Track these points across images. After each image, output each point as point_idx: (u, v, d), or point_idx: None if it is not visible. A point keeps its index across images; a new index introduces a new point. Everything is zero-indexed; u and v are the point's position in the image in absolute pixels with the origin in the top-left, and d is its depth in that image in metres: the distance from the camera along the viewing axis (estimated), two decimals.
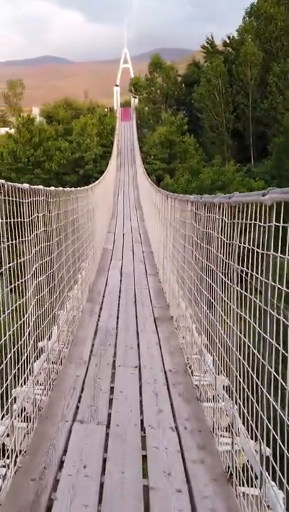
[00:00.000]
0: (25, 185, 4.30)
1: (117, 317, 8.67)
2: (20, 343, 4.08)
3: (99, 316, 8.62)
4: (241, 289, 3.67)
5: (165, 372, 6.11)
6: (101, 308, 9.13)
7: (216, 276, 4.52)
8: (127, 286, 11.28)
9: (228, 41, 47.32)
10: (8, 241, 3.48)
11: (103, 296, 10.14)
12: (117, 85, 64.30)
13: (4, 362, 3.55)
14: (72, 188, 8.12)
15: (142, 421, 4.76)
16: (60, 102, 53.09)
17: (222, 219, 4.22)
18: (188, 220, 6.73)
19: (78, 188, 9.60)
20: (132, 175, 37.86)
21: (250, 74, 43.19)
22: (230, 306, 3.94)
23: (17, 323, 3.99)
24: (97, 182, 14.00)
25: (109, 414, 4.84)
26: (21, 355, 4.16)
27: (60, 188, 6.80)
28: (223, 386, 4.62)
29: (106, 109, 53.98)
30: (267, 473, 2.91)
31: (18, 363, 4.23)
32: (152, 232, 16.23)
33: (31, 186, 4.56)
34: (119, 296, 10.25)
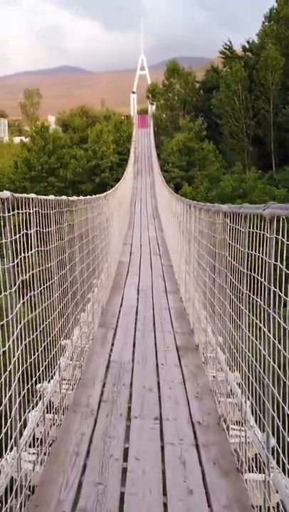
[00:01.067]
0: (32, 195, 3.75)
1: (134, 346, 7.47)
2: (11, 391, 3.04)
3: (112, 345, 7.42)
4: None
5: (193, 425, 4.88)
6: (115, 335, 7.93)
7: (263, 310, 3.32)
8: (144, 305, 10.07)
9: (247, 46, 46.16)
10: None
11: (118, 319, 8.94)
12: (133, 92, 63.42)
13: None
14: (80, 197, 6.96)
15: (165, 506, 3.55)
16: (76, 110, 52.31)
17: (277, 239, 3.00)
18: (219, 236, 5.51)
19: (89, 197, 8.45)
20: (149, 183, 36.76)
21: (271, 79, 41.91)
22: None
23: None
24: (111, 190, 12.86)
25: (122, 497, 3.63)
26: (12, 404, 3.15)
27: (63, 197, 5.66)
28: (272, 448, 3.39)
29: (123, 117, 53.05)
30: None
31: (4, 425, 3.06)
32: (172, 244, 15.04)
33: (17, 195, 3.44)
34: (136, 319, 9.05)
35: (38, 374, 4.00)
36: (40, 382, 4.18)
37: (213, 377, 5.74)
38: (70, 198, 6.14)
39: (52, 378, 4.75)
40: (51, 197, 4.83)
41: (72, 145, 43.00)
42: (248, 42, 45.73)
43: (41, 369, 4.07)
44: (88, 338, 7.36)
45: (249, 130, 42.97)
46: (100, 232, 9.78)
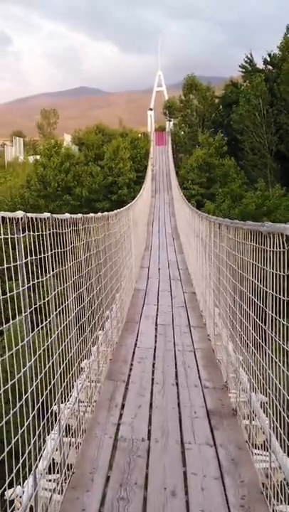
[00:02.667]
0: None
1: (150, 409, 5.67)
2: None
3: (122, 410, 5.62)
4: None
5: None
6: (126, 393, 6.13)
7: None
8: (164, 346, 8.26)
9: (268, 59, 44.61)
10: None
11: (130, 368, 7.14)
12: (151, 109, 62.12)
13: None
14: (79, 215, 5.26)
15: None
16: (92, 128, 51.10)
17: None
18: (270, 269, 3.72)
19: (91, 215, 6.75)
20: (168, 201, 35.10)
21: None
22: None
23: None
24: (124, 208, 11.16)
25: None
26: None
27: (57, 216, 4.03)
28: None
29: (140, 135, 51.66)
30: None
31: None
32: (194, 268, 13.24)
33: None
34: (154, 366, 7.24)
35: None
36: None
37: (269, 468, 3.91)
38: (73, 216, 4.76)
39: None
40: (46, 214, 3.66)
41: (87, 162, 41.56)
42: (269, 55, 44.19)
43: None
44: (91, 398, 5.58)
45: (271, 145, 41.12)
46: (109, 257, 8.08)
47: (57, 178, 38.71)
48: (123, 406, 5.77)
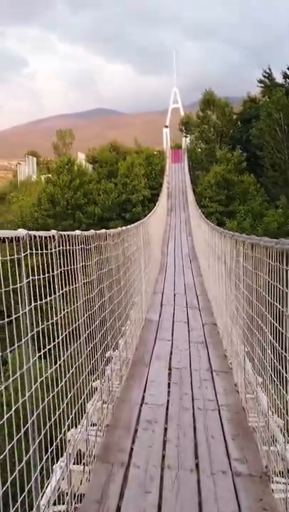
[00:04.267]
0: None
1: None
2: None
3: None
4: None
5: None
6: (122, 492, 4.24)
7: None
8: (179, 403, 6.37)
9: (288, 73, 43.02)
10: None
11: (134, 439, 5.27)
12: (166, 126, 60.60)
13: None
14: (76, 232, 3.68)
15: None
16: (106, 146, 49.72)
17: None
18: None
19: (92, 232, 5.09)
20: (184, 220, 33.27)
21: None
22: None
23: None
24: (131, 226, 9.39)
25: None
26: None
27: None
28: None
29: (155, 152, 50.07)
30: None
31: None
32: (214, 293, 11.38)
33: None
34: (165, 435, 5.37)
35: None
36: None
37: None
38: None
39: None
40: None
41: (100, 179, 40.00)
42: (288, 68, 42.64)
43: None
44: (71, 500, 3.74)
45: None
46: (108, 286, 6.32)
47: (66, 196, 37.17)
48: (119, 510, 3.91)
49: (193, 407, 6.23)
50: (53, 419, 3.36)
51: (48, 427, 3.18)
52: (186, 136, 51.38)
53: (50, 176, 41.67)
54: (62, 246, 3.95)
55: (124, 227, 8.18)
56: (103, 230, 6.08)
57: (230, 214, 35.42)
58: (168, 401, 6.41)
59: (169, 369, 7.78)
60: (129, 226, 9.09)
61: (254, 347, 5.39)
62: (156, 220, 20.53)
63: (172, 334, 9.89)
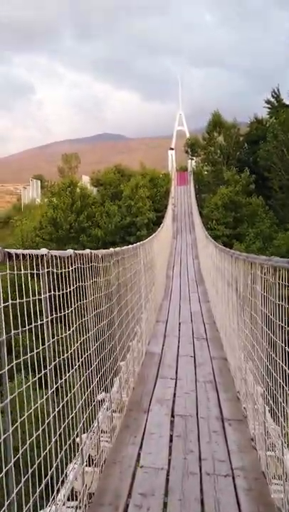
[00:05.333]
0: None
1: None
2: None
3: None
4: None
5: None
6: None
7: None
8: (183, 465, 5.10)
9: None
10: None
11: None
12: (171, 148, 59.85)
13: None
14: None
15: None
16: (111, 169, 48.89)
17: None
18: None
19: (68, 251, 3.97)
20: (190, 243, 32.11)
21: None
22: None
23: None
24: (128, 248, 8.24)
25: None
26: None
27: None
28: None
29: (161, 175, 49.09)
30: None
31: None
32: (224, 322, 10.14)
33: None
34: None
35: None
36: None
37: None
38: None
39: None
40: None
41: (103, 202, 38.98)
42: None
43: None
44: None
45: None
46: (102, 313, 5.21)
47: (68, 219, 36.14)
48: None
49: (200, 471, 4.97)
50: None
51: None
52: (192, 159, 50.48)
53: (52, 198, 40.69)
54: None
55: (117, 248, 7.03)
56: (87, 250, 4.94)
57: (238, 237, 34.23)
58: (169, 462, 5.15)
59: (172, 416, 6.53)
60: (125, 247, 7.94)
61: (274, 390, 4.24)
62: (161, 243, 19.38)
63: (176, 371, 8.62)
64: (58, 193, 39.70)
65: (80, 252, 4.55)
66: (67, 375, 4.07)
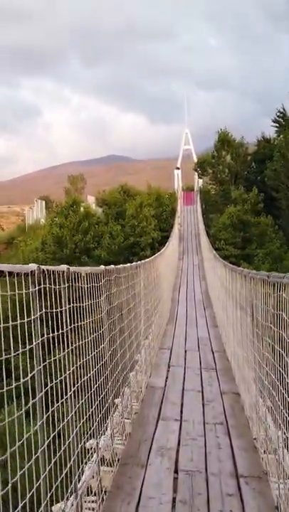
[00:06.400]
0: None
1: None
2: None
3: None
4: None
5: None
6: None
7: None
8: None
9: None
10: None
11: None
12: (178, 168, 58.98)
13: None
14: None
15: None
16: (117, 189, 48.01)
17: None
18: None
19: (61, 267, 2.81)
20: (197, 263, 30.97)
21: None
22: None
23: None
24: (124, 266, 7.14)
25: None
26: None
27: None
28: None
29: (167, 195, 48.07)
30: None
31: None
32: (236, 352, 8.94)
33: None
34: None
35: None
36: None
37: None
38: None
39: None
40: None
41: (108, 221, 37.99)
42: None
43: None
44: None
45: None
46: (88, 343, 4.09)
47: (74, 238, 35.13)
48: None
49: None
50: None
51: None
52: (200, 177, 49.54)
53: (55, 218, 39.71)
54: None
55: (111, 266, 5.92)
56: (63, 266, 3.84)
57: (247, 257, 33.04)
58: None
59: (176, 472, 5.32)
60: (121, 265, 6.83)
61: None
62: (166, 263, 18.24)
63: (181, 410, 7.40)
64: (60, 211, 38.74)
65: (50, 268, 3.43)
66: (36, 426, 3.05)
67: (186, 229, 43.24)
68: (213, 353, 11.45)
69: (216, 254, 17.98)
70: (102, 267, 5.34)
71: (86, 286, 4.57)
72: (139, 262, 9.06)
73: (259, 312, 5.50)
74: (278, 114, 43.52)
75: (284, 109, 43.49)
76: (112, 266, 6.06)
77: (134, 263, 8.40)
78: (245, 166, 45.22)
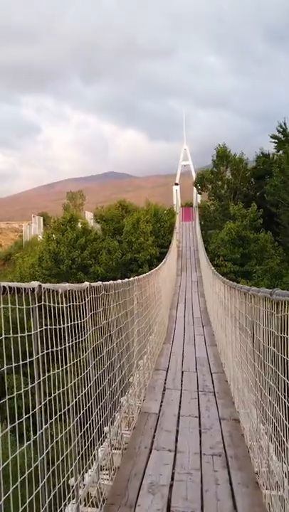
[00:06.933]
0: None
1: None
2: None
3: None
4: None
5: None
6: None
7: None
8: None
9: None
10: None
11: None
12: (176, 184, 58.62)
13: None
14: None
15: None
16: (115, 204, 47.63)
17: None
18: None
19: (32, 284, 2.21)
20: (195, 280, 30.41)
21: None
22: None
23: None
24: (119, 282, 6.64)
25: None
26: None
27: None
28: None
29: (165, 211, 47.64)
30: None
31: None
32: (236, 376, 8.36)
33: None
34: None
35: None
36: None
37: None
38: None
39: None
40: None
41: (105, 237, 37.49)
42: None
43: None
44: None
45: None
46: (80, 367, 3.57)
47: (71, 254, 34.61)
48: None
49: None
50: None
51: None
52: (199, 193, 49.12)
53: (52, 233, 39.25)
54: None
55: (97, 283, 5.39)
56: (34, 283, 3.32)
57: (246, 274, 32.49)
58: None
59: None
60: (110, 282, 6.31)
61: None
62: (163, 279, 17.70)
63: (176, 439, 6.82)
64: (58, 227, 38.29)
65: (17, 284, 2.92)
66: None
67: (184, 245, 42.76)
68: (211, 374, 10.86)
69: (214, 270, 17.44)
70: (87, 283, 4.82)
71: (65, 305, 4.05)
72: (131, 278, 8.52)
73: (260, 333, 4.97)
74: (278, 128, 43.21)
75: (285, 124, 43.22)
76: (100, 282, 5.55)
77: (125, 279, 7.87)
78: (245, 181, 44.86)
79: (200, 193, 48.93)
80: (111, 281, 6.35)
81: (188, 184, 58.47)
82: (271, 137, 44.32)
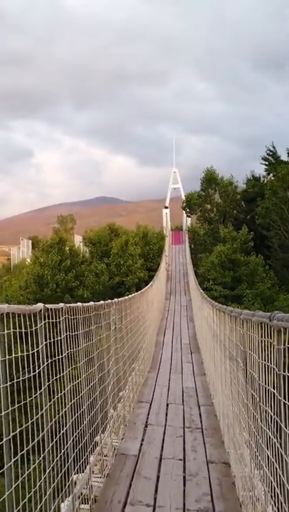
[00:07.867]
0: None
1: None
2: None
3: None
4: None
5: None
6: None
7: None
8: None
9: None
10: None
11: None
12: (166, 207, 58.07)
13: None
14: None
15: None
16: (104, 228, 46.94)
17: None
18: None
19: None
20: (185, 304, 29.49)
21: None
22: None
23: None
24: (91, 304, 5.77)
25: None
26: None
27: None
28: None
29: (155, 234, 46.93)
30: None
31: None
32: (226, 412, 7.40)
33: None
34: None
35: None
36: None
37: None
38: None
39: None
40: None
41: (93, 260, 36.60)
42: None
43: None
44: None
45: None
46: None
47: (56, 277, 33.62)
48: None
49: None
50: None
51: None
52: (188, 216, 48.52)
53: (39, 256, 38.36)
54: None
55: (60, 304, 4.51)
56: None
57: (237, 298, 31.60)
58: None
59: None
60: (77, 304, 5.41)
61: None
62: (150, 303, 16.78)
63: (156, 489, 5.83)
64: (46, 249, 37.41)
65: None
66: None
67: (174, 268, 41.93)
68: (199, 407, 9.89)
69: (202, 292, 16.55)
70: (40, 304, 3.93)
71: (5, 332, 3.14)
72: (109, 300, 7.60)
73: (255, 368, 4.06)
74: (268, 152, 42.99)
75: (274, 148, 43.01)
76: (62, 304, 4.66)
77: (103, 302, 6.97)
78: (235, 204, 44.35)
79: (189, 216, 48.35)
80: (79, 303, 5.45)
81: (178, 208, 58.04)
82: (263, 159, 44.06)
